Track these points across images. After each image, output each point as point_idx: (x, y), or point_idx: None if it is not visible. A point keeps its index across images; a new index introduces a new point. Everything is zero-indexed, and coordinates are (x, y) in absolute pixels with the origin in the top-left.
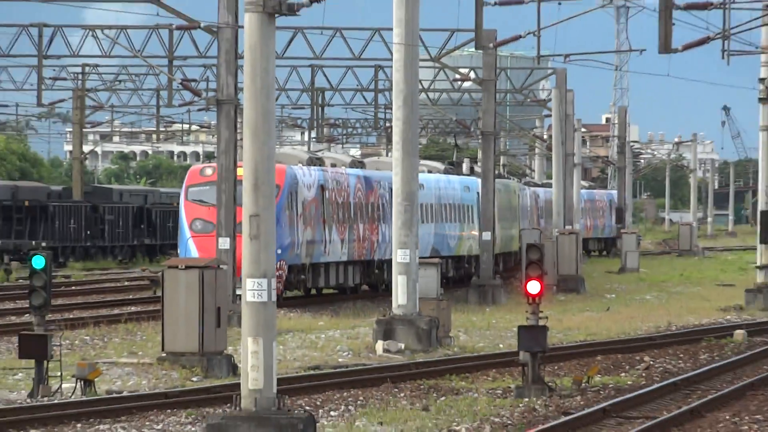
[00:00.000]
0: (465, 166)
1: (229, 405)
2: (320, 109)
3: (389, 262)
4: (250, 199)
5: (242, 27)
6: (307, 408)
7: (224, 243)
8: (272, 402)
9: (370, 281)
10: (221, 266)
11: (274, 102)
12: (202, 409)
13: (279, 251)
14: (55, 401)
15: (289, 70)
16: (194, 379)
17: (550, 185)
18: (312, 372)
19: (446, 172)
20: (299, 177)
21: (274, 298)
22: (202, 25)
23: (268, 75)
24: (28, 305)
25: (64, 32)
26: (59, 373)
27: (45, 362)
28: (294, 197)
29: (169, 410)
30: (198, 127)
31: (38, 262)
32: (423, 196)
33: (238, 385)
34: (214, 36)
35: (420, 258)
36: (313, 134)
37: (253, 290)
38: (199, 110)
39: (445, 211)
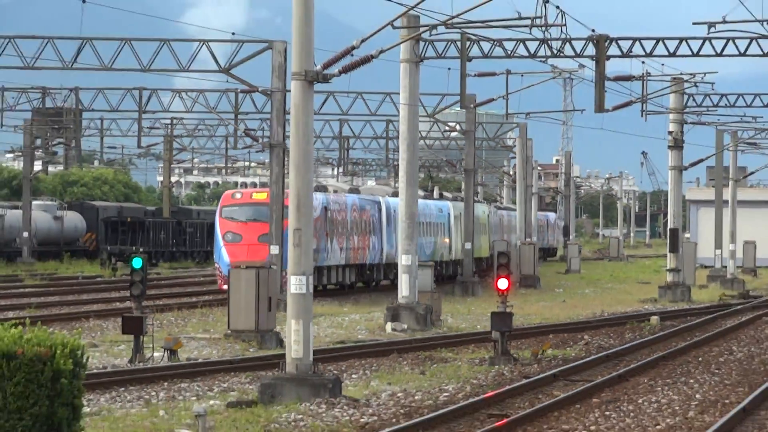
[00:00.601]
0: (435, 192)
1: (276, 369)
2: (346, 151)
3: (377, 265)
4: (294, 217)
5: (289, 91)
6: (335, 372)
7: (274, 249)
8: (309, 367)
9: (363, 280)
10: (272, 266)
11: (312, 146)
12: (257, 372)
13: None
14: (148, 366)
15: (323, 123)
16: (251, 350)
17: (513, 209)
18: (338, 345)
19: (425, 197)
20: None
21: (311, 290)
22: (259, 89)
23: (307, 126)
24: (129, 294)
25: (158, 94)
26: (151, 345)
27: (141, 337)
28: None
29: (233, 373)
30: (256, 164)
31: (137, 262)
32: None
33: (284, 354)
34: (268, 97)
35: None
36: (341, 170)
37: (296, 284)
38: (257, 152)
39: (422, 227)
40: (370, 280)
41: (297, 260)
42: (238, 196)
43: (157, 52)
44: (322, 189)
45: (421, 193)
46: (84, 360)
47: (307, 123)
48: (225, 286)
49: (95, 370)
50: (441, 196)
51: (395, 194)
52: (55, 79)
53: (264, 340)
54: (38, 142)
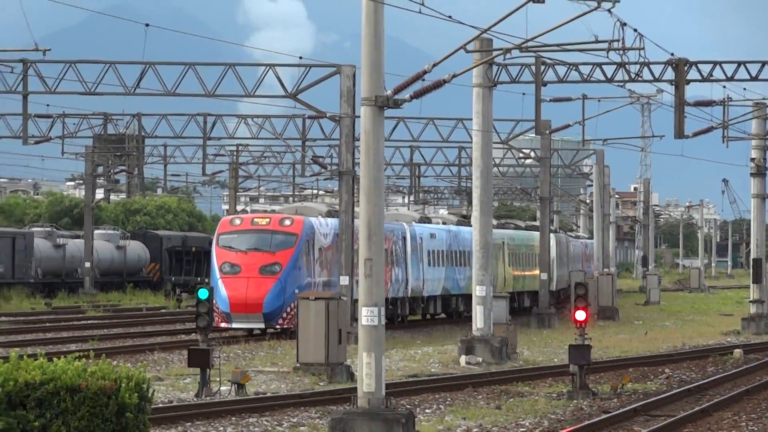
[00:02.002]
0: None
1: (348, 404)
2: (417, 179)
3: (402, 299)
4: (365, 246)
5: (358, 117)
6: (408, 406)
7: (344, 280)
8: (381, 401)
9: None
10: (342, 298)
11: (382, 173)
12: (327, 407)
13: (296, 291)
14: (215, 400)
15: (394, 150)
16: (321, 383)
17: (583, 237)
18: (411, 379)
19: (458, 223)
20: (316, 227)
21: (383, 322)
22: (327, 115)
23: (378, 153)
24: (195, 326)
25: (223, 120)
26: (218, 379)
27: (208, 370)
28: (311, 244)
29: (302, 407)
30: (324, 192)
31: (203, 293)
32: (436, 244)
33: (355, 388)
34: (337, 123)
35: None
36: (412, 198)
37: (368, 316)
38: (325, 179)
39: (455, 256)
40: (393, 316)
41: (368, 291)
42: (238, 222)
43: (222, 77)
44: (335, 214)
45: (453, 218)
46: (149, 394)
47: (377, 150)
48: (223, 324)
49: (161, 404)
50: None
51: (423, 220)
52: (117, 105)
53: (334, 374)
54: (100, 169)
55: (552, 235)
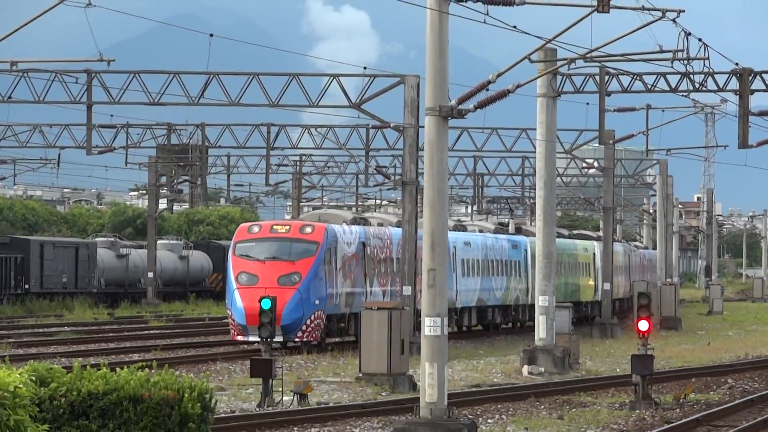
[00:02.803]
0: (511, 226)
1: (410, 414)
2: (480, 189)
3: None
4: (428, 257)
5: (422, 127)
6: (470, 416)
7: (407, 290)
8: (444, 411)
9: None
10: (404, 308)
11: (446, 183)
12: (390, 417)
13: (317, 302)
14: (278, 410)
15: (457, 160)
16: (383, 393)
17: (640, 246)
18: (474, 389)
19: (496, 231)
20: (339, 234)
21: (446, 332)
22: (391, 125)
23: (442, 163)
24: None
25: (286, 130)
26: (281, 389)
27: (270, 380)
28: (333, 253)
29: (364, 417)
30: (387, 202)
31: (266, 303)
32: (471, 253)
33: (418, 398)
34: (401, 133)
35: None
36: (475, 208)
37: (430, 326)
38: (388, 189)
39: (491, 265)
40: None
41: (431, 301)
42: (256, 229)
43: (285, 87)
44: (361, 221)
45: (491, 226)
46: (212, 404)
47: (441, 160)
48: (239, 337)
49: (223, 414)
50: (519, 231)
51: (457, 228)
52: (180, 115)
53: (396, 384)
54: (163, 179)
55: (596, 243)
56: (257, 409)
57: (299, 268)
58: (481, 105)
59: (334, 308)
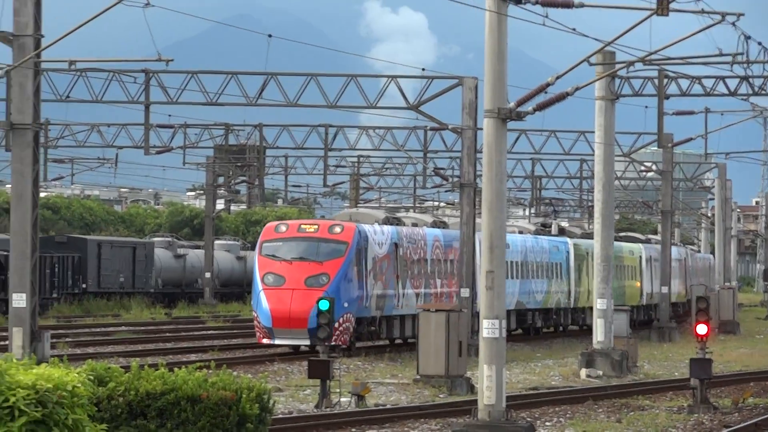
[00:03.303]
0: (554, 228)
1: (468, 416)
2: (538, 191)
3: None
4: (486, 259)
5: (480, 129)
6: (528, 419)
7: (465, 292)
8: (502, 414)
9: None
10: (462, 310)
11: (505, 185)
12: (447, 419)
13: (346, 305)
14: (335, 411)
15: (515, 162)
16: (441, 395)
17: (694, 250)
18: (531, 392)
19: (537, 233)
20: (370, 235)
21: (504, 334)
22: (449, 127)
23: (500, 165)
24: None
25: (344, 131)
26: (338, 390)
27: (328, 381)
28: (363, 254)
29: (422, 419)
30: (445, 204)
31: (323, 305)
32: (509, 255)
33: (475, 401)
34: (459, 135)
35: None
36: (533, 210)
37: (488, 328)
38: (446, 191)
39: (532, 268)
40: None
41: (489, 303)
42: (283, 228)
43: (343, 88)
44: (394, 221)
45: (531, 227)
46: (270, 404)
47: (500, 162)
48: (265, 340)
49: (280, 415)
50: (562, 233)
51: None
52: (238, 116)
53: (454, 386)
54: (221, 180)
55: (643, 246)
56: (315, 410)
57: (328, 269)
58: (540, 107)
59: (364, 311)
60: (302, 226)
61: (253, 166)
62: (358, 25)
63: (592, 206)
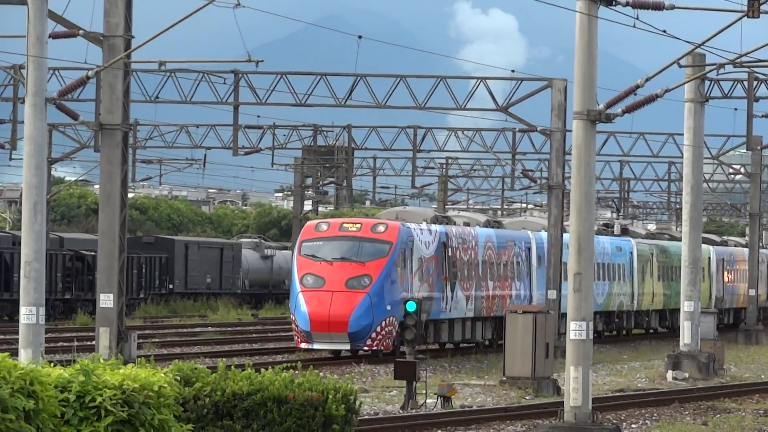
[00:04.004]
0: (617, 227)
1: (554, 418)
2: (626, 194)
3: None
4: (574, 260)
5: (569, 131)
6: (614, 421)
7: (552, 294)
8: (588, 416)
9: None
10: (549, 312)
11: (593, 187)
12: (533, 421)
13: (389, 307)
14: (421, 413)
15: (603, 164)
16: (527, 397)
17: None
18: (617, 394)
19: (598, 233)
20: (415, 234)
21: (590, 336)
22: (538, 128)
23: (589, 167)
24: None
25: (433, 132)
26: (424, 391)
27: (414, 382)
28: (408, 254)
29: (508, 421)
30: (533, 206)
31: (411, 306)
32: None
33: (562, 402)
34: (548, 137)
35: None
36: (621, 213)
37: (576, 330)
38: (534, 193)
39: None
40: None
41: (577, 305)
42: (324, 227)
43: (433, 90)
44: (444, 220)
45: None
46: (356, 405)
47: (589, 164)
48: (303, 345)
49: (366, 416)
50: (625, 233)
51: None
52: (327, 117)
53: (540, 388)
54: (309, 181)
55: (712, 248)
56: (401, 411)
57: (370, 270)
58: (630, 109)
59: None
60: (344, 225)
61: (342, 167)
62: (447, 27)
63: (680, 209)
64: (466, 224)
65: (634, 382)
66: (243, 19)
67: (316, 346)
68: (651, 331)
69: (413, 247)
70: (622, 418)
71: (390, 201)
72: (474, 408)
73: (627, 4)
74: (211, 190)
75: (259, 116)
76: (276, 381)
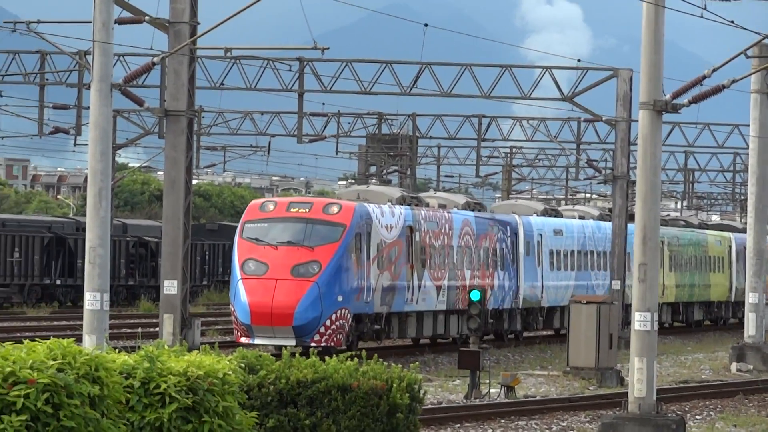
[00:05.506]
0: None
1: (617, 408)
2: (691, 185)
3: (508, 311)
4: (639, 251)
5: (635, 121)
6: (678, 412)
7: (616, 284)
8: (652, 407)
9: (496, 331)
10: (613, 302)
11: (659, 178)
12: (597, 411)
13: (340, 298)
14: (485, 402)
15: (668, 155)
16: (591, 388)
17: None
18: (681, 385)
19: (601, 218)
20: (374, 216)
21: (655, 327)
22: (603, 118)
23: (655, 158)
24: (466, 328)
25: (497, 121)
26: (488, 381)
27: (478, 372)
28: (364, 238)
29: (571, 411)
30: (597, 196)
31: (475, 295)
32: (562, 242)
33: (625, 393)
34: (613, 127)
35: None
36: (685, 203)
37: (640, 321)
38: (598, 183)
39: (592, 258)
40: (499, 332)
41: (642, 296)
42: (271, 207)
43: (498, 79)
44: (413, 201)
45: (594, 212)
46: (421, 394)
47: (654, 154)
48: (243, 339)
49: (430, 405)
50: (632, 219)
51: (547, 212)
52: (391, 105)
53: (604, 378)
54: (373, 169)
55: (732, 235)
56: (464, 400)
57: (319, 256)
58: (696, 100)
59: (364, 306)
60: (292, 205)
61: (406, 155)
62: (513, 16)
63: (745, 200)
64: (442, 206)
65: (698, 373)
66: (308, 5)
67: (257, 342)
68: (666, 325)
69: (371, 231)
70: (686, 409)
71: (453, 190)
72: (537, 398)
73: None
74: (274, 178)
75: (323, 104)
76: (340, 369)
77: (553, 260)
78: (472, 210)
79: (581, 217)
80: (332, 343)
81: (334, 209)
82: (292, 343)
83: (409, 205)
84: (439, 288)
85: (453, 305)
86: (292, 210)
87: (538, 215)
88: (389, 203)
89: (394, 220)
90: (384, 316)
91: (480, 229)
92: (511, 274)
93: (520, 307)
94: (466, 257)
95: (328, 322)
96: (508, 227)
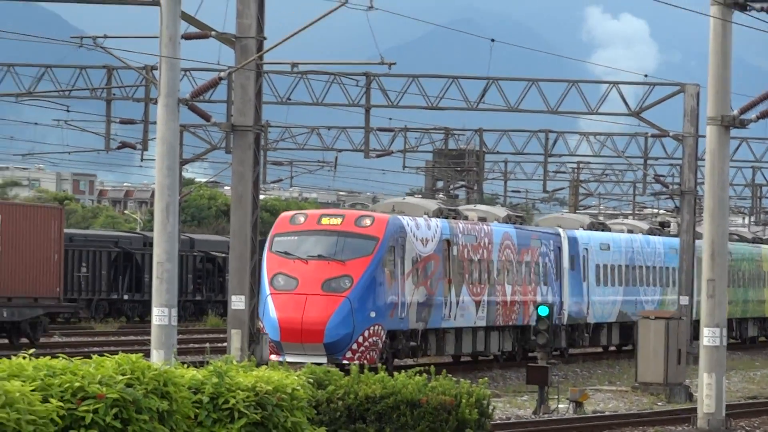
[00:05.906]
0: (674, 227)
1: (687, 424)
2: (759, 200)
3: (554, 327)
4: (707, 267)
5: (702, 136)
6: (747, 428)
7: (684, 300)
8: (721, 423)
9: (526, 347)
10: (682, 318)
11: (727, 193)
12: (666, 427)
13: (373, 314)
14: (553, 418)
15: (736, 170)
16: (659, 403)
17: None
18: (750, 401)
19: (651, 233)
20: (409, 229)
21: (725, 343)
22: (670, 134)
23: (723, 173)
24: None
25: (564, 137)
26: (556, 396)
27: (546, 387)
28: (398, 252)
29: (640, 427)
30: (664, 212)
31: (543, 310)
32: (609, 257)
33: (694, 409)
34: (680, 142)
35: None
36: (752, 219)
37: (710, 337)
38: (665, 198)
39: (641, 273)
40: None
41: (710, 312)
42: (301, 219)
43: (565, 94)
44: (451, 214)
45: (644, 226)
46: (489, 410)
47: (722, 170)
48: (273, 357)
49: (498, 421)
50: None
51: (594, 226)
52: (458, 120)
53: (673, 394)
54: (440, 184)
55: None
56: (533, 416)
57: (351, 271)
58: (764, 115)
59: (398, 322)
60: (324, 217)
61: (473, 170)
62: (579, 31)
63: None
64: (482, 219)
65: (767, 389)
66: (375, 20)
67: (288, 360)
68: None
69: (405, 244)
70: (756, 425)
71: (521, 205)
72: (606, 413)
73: (762, 10)
74: (341, 193)
75: (390, 119)
76: (409, 384)
77: (600, 275)
78: (514, 223)
79: (630, 231)
80: (365, 361)
81: (367, 222)
82: (323, 360)
83: (446, 217)
84: (478, 303)
85: (493, 321)
86: (323, 222)
87: (584, 229)
88: (425, 216)
89: (431, 233)
90: (420, 333)
91: (521, 243)
92: (555, 289)
93: (564, 323)
94: (507, 272)
95: (360, 339)
96: (552, 241)
